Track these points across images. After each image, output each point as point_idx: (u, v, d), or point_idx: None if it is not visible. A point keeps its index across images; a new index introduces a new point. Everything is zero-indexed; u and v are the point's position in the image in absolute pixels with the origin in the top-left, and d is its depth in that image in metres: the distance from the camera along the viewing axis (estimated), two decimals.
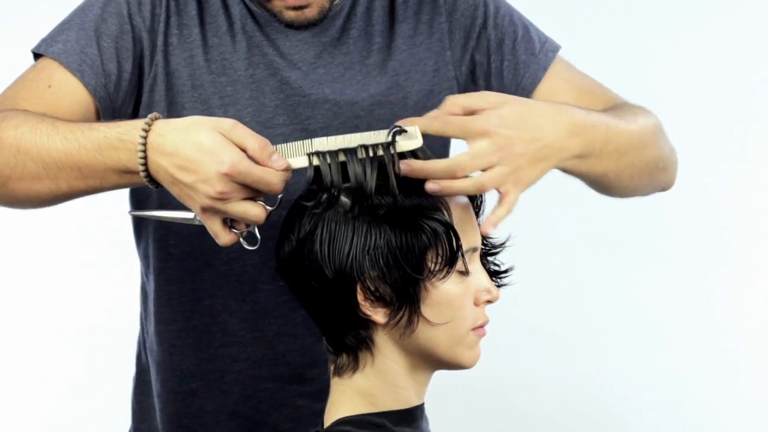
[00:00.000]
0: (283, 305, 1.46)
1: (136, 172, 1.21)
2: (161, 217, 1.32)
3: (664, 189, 1.51)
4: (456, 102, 1.23)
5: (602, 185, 1.41)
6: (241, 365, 1.50)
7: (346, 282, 1.16)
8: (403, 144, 1.18)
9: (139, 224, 1.55)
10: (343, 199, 1.17)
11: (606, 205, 2.42)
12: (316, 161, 1.17)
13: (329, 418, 1.21)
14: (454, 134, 1.22)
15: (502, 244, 1.28)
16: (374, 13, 1.47)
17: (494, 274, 1.27)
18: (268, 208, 1.20)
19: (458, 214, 1.19)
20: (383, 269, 1.15)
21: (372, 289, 1.16)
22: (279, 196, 1.21)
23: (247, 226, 1.22)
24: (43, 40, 1.42)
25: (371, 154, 1.16)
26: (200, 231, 1.44)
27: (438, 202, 1.18)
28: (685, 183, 2.42)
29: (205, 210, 1.19)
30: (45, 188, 1.28)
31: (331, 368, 1.23)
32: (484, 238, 1.26)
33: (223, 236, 1.22)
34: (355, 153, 1.17)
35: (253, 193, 1.18)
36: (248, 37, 1.44)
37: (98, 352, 2.45)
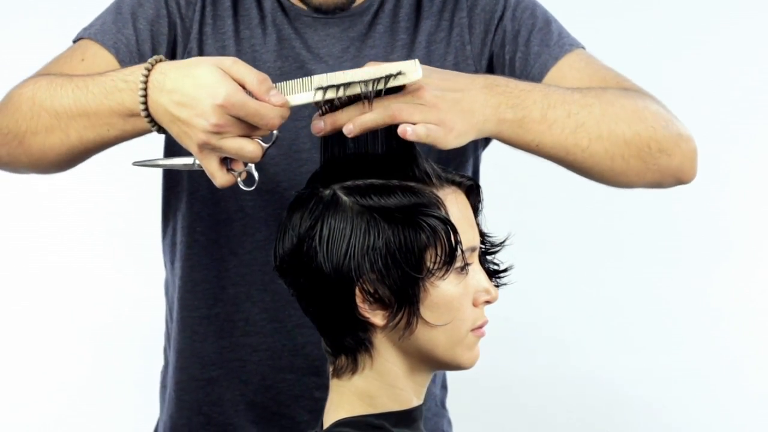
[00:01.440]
0: None
1: (139, 114, 1.23)
2: (163, 165, 1.34)
3: (678, 179, 1.39)
4: (375, 63, 1.22)
5: (581, 168, 1.33)
6: (261, 355, 1.51)
7: (345, 283, 1.16)
8: (403, 78, 1.16)
9: (167, 212, 1.57)
10: (343, 197, 1.17)
11: (607, 202, 2.42)
12: (312, 98, 1.18)
13: (328, 420, 1.21)
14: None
15: (502, 242, 1.26)
16: (401, 11, 1.49)
17: (493, 274, 1.26)
18: (264, 145, 1.20)
19: (455, 212, 1.18)
20: (382, 270, 1.15)
21: (371, 291, 1.15)
22: (275, 134, 1.21)
23: (245, 166, 1.22)
24: (82, 29, 1.46)
25: (371, 88, 1.16)
26: (227, 219, 1.45)
27: (435, 198, 1.17)
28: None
29: (202, 147, 1.19)
30: (57, 140, 1.31)
31: (330, 370, 1.22)
32: (483, 236, 1.26)
33: (220, 176, 1.21)
34: (349, 87, 1.16)
35: (249, 129, 1.18)
36: (278, 29, 1.47)
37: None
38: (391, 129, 1.19)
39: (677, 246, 2.48)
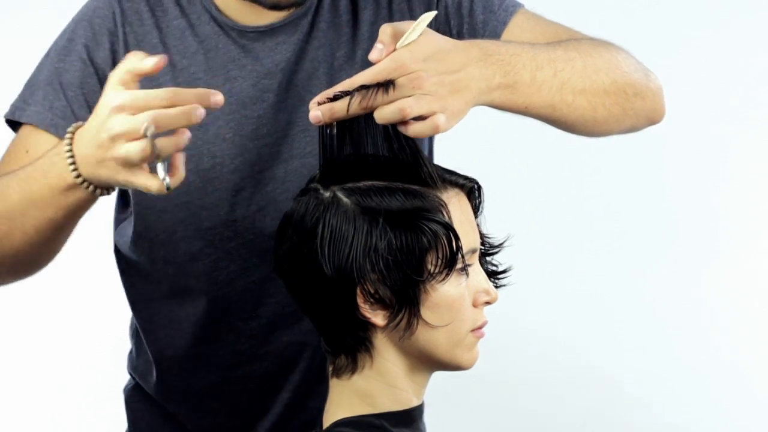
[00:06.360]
0: (290, 316, 1.44)
1: (76, 184, 1.18)
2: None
3: (651, 120, 1.41)
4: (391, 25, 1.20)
5: (566, 122, 1.32)
6: (255, 382, 1.49)
7: (346, 284, 1.16)
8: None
9: (122, 262, 1.52)
10: (343, 198, 1.17)
11: (606, 201, 2.42)
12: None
13: (328, 419, 1.21)
14: (372, 79, 1.16)
15: (501, 244, 1.27)
16: (340, 4, 1.44)
17: (493, 275, 1.27)
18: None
19: (457, 215, 1.18)
20: (383, 272, 1.15)
21: (372, 291, 1.15)
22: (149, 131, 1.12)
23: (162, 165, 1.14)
24: (14, 106, 1.41)
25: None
26: (191, 259, 1.41)
27: (438, 202, 1.17)
28: (685, 179, 2.44)
29: (123, 165, 1.13)
30: (19, 240, 1.26)
31: (330, 369, 1.22)
32: (483, 237, 1.26)
33: (153, 183, 1.13)
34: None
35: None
36: (223, 53, 1.41)
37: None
38: (389, 131, 1.18)
39: (674, 244, 2.50)
